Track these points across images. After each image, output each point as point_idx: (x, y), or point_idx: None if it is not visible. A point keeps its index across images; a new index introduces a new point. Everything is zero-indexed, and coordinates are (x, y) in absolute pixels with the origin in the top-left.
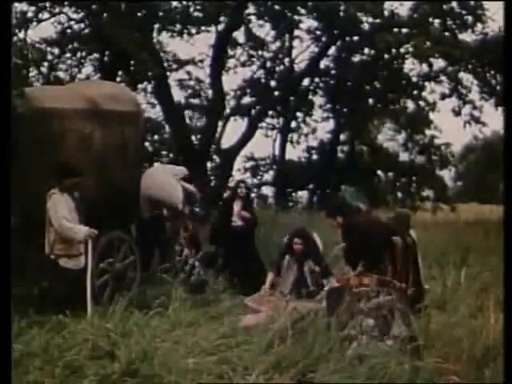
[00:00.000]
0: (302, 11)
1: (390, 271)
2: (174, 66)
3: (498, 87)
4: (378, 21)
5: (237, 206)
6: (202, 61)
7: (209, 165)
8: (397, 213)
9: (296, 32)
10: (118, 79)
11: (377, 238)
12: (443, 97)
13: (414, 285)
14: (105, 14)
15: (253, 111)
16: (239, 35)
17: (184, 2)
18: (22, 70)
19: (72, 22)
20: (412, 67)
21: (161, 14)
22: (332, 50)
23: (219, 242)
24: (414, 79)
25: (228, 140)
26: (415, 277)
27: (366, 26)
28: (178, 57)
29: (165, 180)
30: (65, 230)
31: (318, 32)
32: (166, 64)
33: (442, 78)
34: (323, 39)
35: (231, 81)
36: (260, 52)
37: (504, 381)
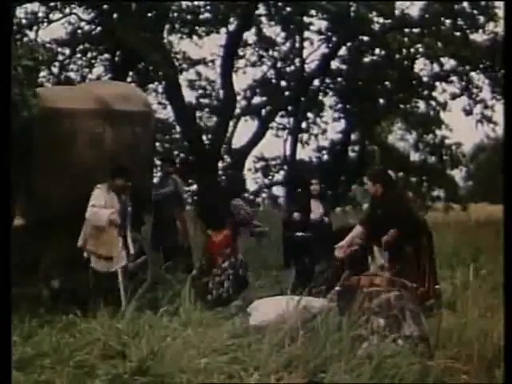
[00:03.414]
0: (312, 12)
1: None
2: (185, 66)
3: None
4: (388, 21)
5: (315, 207)
6: (212, 61)
7: (220, 165)
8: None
9: (306, 33)
10: (129, 79)
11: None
12: (454, 96)
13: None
14: (115, 15)
15: (263, 111)
16: (249, 36)
17: (194, 3)
18: (33, 71)
19: (83, 23)
20: (423, 67)
21: (171, 14)
22: (343, 51)
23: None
24: (425, 79)
25: (239, 140)
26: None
27: (376, 27)
28: (188, 57)
29: None
30: (90, 216)
31: (329, 33)
32: (176, 64)
33: (453, 77)
34: (334, 39)
35: (242, 81)
36: (270, 52)
37: (504, 381)
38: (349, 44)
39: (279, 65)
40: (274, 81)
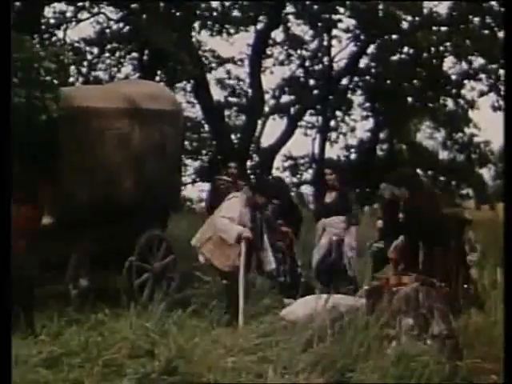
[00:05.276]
0: (341, 10)
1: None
2: (214, 65)
3: None
4: (417, 19)
5: None
6: (241, 60)
7: (248, 163)
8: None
9: (334, 31)
10: (157, 78)
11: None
12: (481, 94)
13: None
14: (143, 14)
15: (292, 110)
16: (278, 34)
17: (223, 2)
18: (56, 73)
19: (111, 22)
20: (451, 65)
21: (200, 13)
22: (371, 49)
23: None
24: (454, 77)
25: (267, 139)
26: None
27: (404, 25)
28: (217, 55)
29: None
30: (219, 226)
31: (357, 31)
32: (205, 63)
33: (482, 75)
34: (362, 38)
35: (270, 80)
36: (299, 51)
37: (504, 381)
38: (377, 42)
39: (307, 63)
40: (302, 79)
